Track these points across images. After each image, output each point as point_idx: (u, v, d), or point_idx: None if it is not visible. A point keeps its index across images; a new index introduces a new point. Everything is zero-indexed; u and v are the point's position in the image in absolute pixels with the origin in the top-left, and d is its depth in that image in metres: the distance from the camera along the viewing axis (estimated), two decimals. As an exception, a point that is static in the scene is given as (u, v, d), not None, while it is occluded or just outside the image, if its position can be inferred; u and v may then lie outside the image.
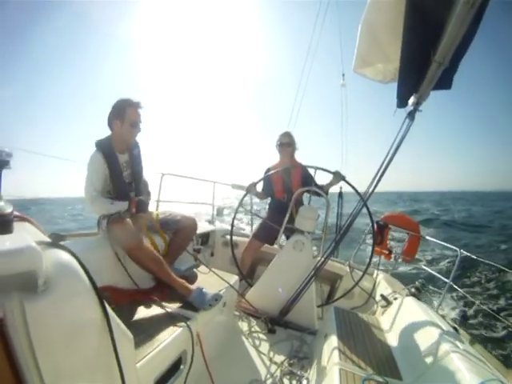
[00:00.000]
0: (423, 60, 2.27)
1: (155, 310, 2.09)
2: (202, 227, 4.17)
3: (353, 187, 3.17)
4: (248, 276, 3.88)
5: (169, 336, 1.78)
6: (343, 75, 4.24)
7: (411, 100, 2.62)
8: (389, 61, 2.57)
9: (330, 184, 3.53)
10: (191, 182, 4.78)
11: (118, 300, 2.06)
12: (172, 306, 2.15)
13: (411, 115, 2.62)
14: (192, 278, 2.59)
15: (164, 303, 2.15)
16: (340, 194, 3.71)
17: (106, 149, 2.44)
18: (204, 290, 2.24)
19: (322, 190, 3.37)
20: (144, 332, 1.77)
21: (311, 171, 3.53)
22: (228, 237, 3.66)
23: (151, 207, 3.12)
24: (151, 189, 3.01)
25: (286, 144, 3.76)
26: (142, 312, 2.05)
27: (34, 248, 0.82)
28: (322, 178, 3.60)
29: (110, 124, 2.48)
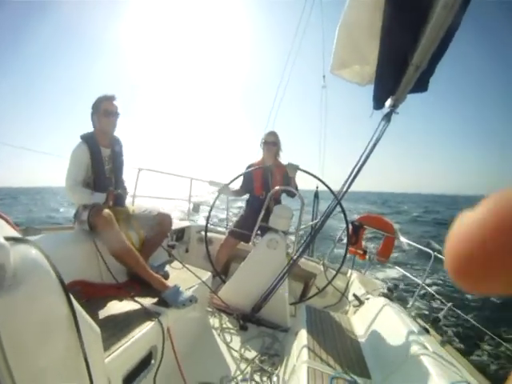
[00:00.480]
0: (400, 63, 2.30)
1: (126, 305, 2.05)
2: (177, 223, 4.13)
3: (314, 176, 3.20)
4: (222, 273, 3.88)
5: (139, 331, 1.76)
6: (324, 77, 4.26)
7: (388, 102, 2.64)
8: (366, 62, 2.58)
9: (290, 178, 3.56)
10: (168, 178, 4.75)
11: (89, 294, 2.05)
12: (144, 302, 2.11)
13: (387, 117, 2.65)
14: (165, 274, 2.57)
15: (136, 298, 2.13)
16: (316, 194, 3.74)
17: (90, 141, 2.51)
18: (181, 288, 2.21)
19: (296, 190, 3.41)
20: (114, 327, 1.74)
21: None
22: (203, 233, 3.63)
23: (127, 202, 3.14)
24: (128, 184, 2.98)
25: (272, 143, 3.76)
26: (113, 307, 2.01)
27: (2, 243, 0.80)
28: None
29: (93, 121, 2.60)
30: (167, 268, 2.83)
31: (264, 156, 3.86)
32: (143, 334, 1.77)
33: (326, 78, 4.25)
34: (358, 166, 2.74)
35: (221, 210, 5.05)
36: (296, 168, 3.31)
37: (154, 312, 1.99)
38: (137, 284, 2.31)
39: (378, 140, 2.67)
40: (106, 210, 2.31)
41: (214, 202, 3.62)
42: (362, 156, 2.73)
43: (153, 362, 1.91)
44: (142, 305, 2.05)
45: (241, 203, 4.35)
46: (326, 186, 3.26)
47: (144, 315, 1.94)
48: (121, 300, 2.10)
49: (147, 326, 1.83)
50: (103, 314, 1.91)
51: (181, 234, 4.12)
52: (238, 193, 3.90)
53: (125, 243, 2.27)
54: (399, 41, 2.22)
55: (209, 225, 3.64)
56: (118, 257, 2.26)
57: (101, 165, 2.56)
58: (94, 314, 1.81)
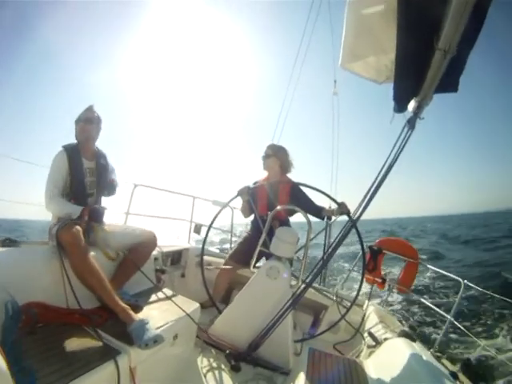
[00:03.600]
0: (425, 48, 1.91)
1: (86, 337, 1.77)
2: (175, 245, 3.79)
3: (352, 221, 2.72)
4: (223, 301, 3.49)
5: (90, 370, 1.47)
6: (335, 81, 3.95)
7: (411, 105, 2.28)
8: (382, 51, 2.22)
9: (331, 212, 3.24)
10: (168, 196, 4.43)
11: (46, 319, 1.82)
12: (107, 335, 1.81)
13: (411, 123, 2.28)
14: (137, 304, 2.22)
15: (99, 330, 1.83)
16: (329, 217, 3.34)
17: (71, 150, 2.43)
18: (147, 324, 1.87)
19: (313, 210, 3.12)
20: (61, 361, 1.49)
21: (309, 192, 3.26)
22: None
23: (119, 219, 2.97)
24: (120, 201, 2.92)
25: (267, 155, 3.46)
26: (69, 337, 1.73)
27: None
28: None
29: (75, 134, 2.51)
30: (154, 295, 2.49)
31: (268, 172, 3.53)
32: (95, 374, 1.49)
33: (336, 82, 3.93)
34: (378, 180, 2.34)
35: (228, 233, 4.66)
36: (347, 213, 2.94)
37: (114, 349, 1.68)
38: (105, 313, 2.01)
39: (400, 150, 2.30)
40: (76, 226, 2.10)
41: (214, 219, 3.25)
42: (382, 169, 2.35)
43: None
44: (101, 338, 1.74)
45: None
46: (332, 199, 2.93)
47: (100, 351, 1.65)
48: (81, 330, 1.83)
49: (102, 365, 1.54)
50: (54, 343, 1.65)
51: (177, 256, 3.78)
52: (245, 209, 3.51)
53: (89, 263, 2.01)
54: (421, 21, 1.84)
55: (212, 248, 3.28)
56: (81, 278, 2.01)
57: (80, 175, 2.43)
58: (43, 343, 1.62)
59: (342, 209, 3.01)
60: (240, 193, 3.20)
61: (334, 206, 3.15)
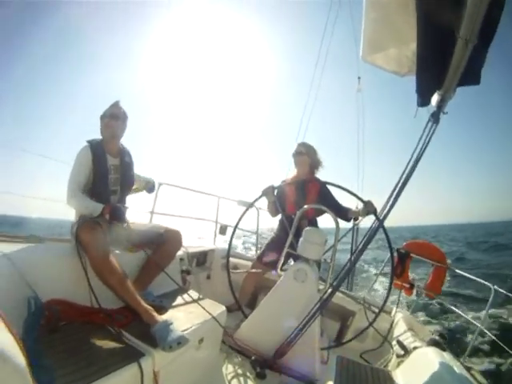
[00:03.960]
0: (446, 38, 1.86)
1: (109, 337, 1.74)
2: (200, 246, 3.76)
3: (378, 220, 2.66)
4: (249, 305, 3.43)
5: (111, 371, 1.44)
6: (359, 78, 3.86)
7: (434, 98, 2.22)
8: (403, 42, 2.17)
9: (357, 213, 3.18)
10: (193, 196, 4.39)
11: (68, 317, 1.82)
12: (130, 336, 1.78)
13: (435, 116, 2.23)
14: (161, 305, 2.21)
15: (123, 331, 1.80)
16: (356, 218, 3.26)
17: (96, 146, 2.39)
18: (172, 325, 1.83)
19: (340, 212, 3.01)
20: (82, 361, 1.47)
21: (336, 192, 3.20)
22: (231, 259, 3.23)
23: (143, 218, 2.96)
24: (146, 200, 2.91)
25: (298, 153, 3.41)
26: (92, 337, 1.72)
27: None
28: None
29: (100, 131, 2.47)
30: (180, 297, 2.47)
31: (297, 170, 3.48)
32: (116, 376, 1.45)
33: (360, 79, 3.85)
34: (404, 177, 2.28)
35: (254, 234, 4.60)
36: (373, 212, 2.86)
37: (137, 351, 1.66)
38: (130, 314, 1.99)
39: (426, 145, 2.24)
40: (96, 225, 2.09)
41: (240, 220, 3.23)
42: (407, 165, 2.29)
43: None
44: (124, 340, 1.73)
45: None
46: (358, 197, 2.85)
47: (124, 353, 1.63)
48: (104, 330, 1.81)
49: (124, 368, 1.51)
50: (76, 342, 1.64)
51: (203, 257, 3.73)
52: (272, 209, 3.46)
53: (109, 263, 1.98)
54: (441, 10, 1.80)
55: (239, 251, 3.24)
56: (101, 278, 1.98)
57: (104, 171, 2.39)
58: (65, 341, 1.60)
59: (369, 208, 2.92)
60: (264, 193, 3.14)
61: (361, 206, 3.07)
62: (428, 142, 2.23)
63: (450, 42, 1.85)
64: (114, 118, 2.42)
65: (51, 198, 2.77)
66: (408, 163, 2.29)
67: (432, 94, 2.23)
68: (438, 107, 2.20)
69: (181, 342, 1.74)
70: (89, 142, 2.39)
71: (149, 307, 1.97)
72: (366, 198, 2.95)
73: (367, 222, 2.97)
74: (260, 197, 3.15)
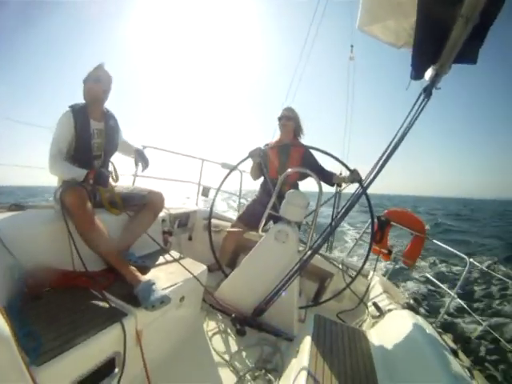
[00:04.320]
0: (446, 15, 1.82)
1: (91, 300, 1.75)
2: (182, 207, 3.76)
3: (363, 189, 2.68)
4: (229, 265, 3.50)
5: (95, 332, 1.48)
6: (352, 46, 3.81)
7: (428, 73, 2.18)
8: (403, 15, 2.11)
9: (342, 179, 3.18)
10: (176, 159, 4.37)
11: (52, 283, 1.80)
12: (113, 297, 1.79)
13: (427, 91, 2.19)
14: (144, 265, 2.21)
15: (106, 292, 1.80)
16: (339, 183, 3.29)
17: (78, 111, 2.31)
18: (154, 285, 1.85)
19: (323, 176, 3.00)
20: (70, 324, 1.50)
21: (319, 157, 3.21)
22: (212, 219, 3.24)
23: (126, 181, 2.92)
24: (128, 162, 2.84)
25: (285, 117, 3.38)
26: (77, 300, 1.72)
27: None
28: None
29: (83, 95, 2.38)
30: (161, 257, 2.48)
31: (281, 134, 3.46)
32: (102, 336, 1.50)
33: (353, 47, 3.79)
34: (390, 148, 2.28)
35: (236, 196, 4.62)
36: (358, 181, 2.88)
37: (120, 311, 1.68)
38: (112, 275, 2.00)
39: (415, 118, 2.23)
40: (80, 188, 2.07)
41: (223, 182, 3.25)
42: (394, 137, 2.29)
43: (116, 370, 1.60)
44: (108, 301, 1.73)
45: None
46: (344, 165, 2.87)
47: (108, 314, 1.64)
48: (87, 293, 1.81)
49: (107, 328, 1.54)
50: (61, 307, 1.63)
51: (185, 219, 3.74)
52: (255, 172, 3.46)
53: (94, 225, 1.98)
54: None
55: (221, 212, 3.26)
56: (86, 240, 1.98)
57: (86, 136, 2.32)
58: (49, 307, 1.61)
59: (355, 176, 2.95)
60: (251, 154, 3.12)
61: (346, 173, 3.09)
62: (418, 115, 2.22)
63: (451, 19, 1.81)
64: (97, 81, 2.34)
65: (34, 165, 2.74)
66: (395, 135, 2.29)
67: (426, 69, 2.20)
68: (432, 82, 2.17)
69: (164, 301, 1.77)
70: (71, 106, 2.32)
71: (132, 268, 1.99)
72: (351, 166, 2.98)
73: (351, 188, 2.99)
74: (246, 158, 3.14)
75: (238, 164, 3.21)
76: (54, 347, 1.31)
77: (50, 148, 2.23)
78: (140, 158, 2.74)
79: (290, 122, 3.37)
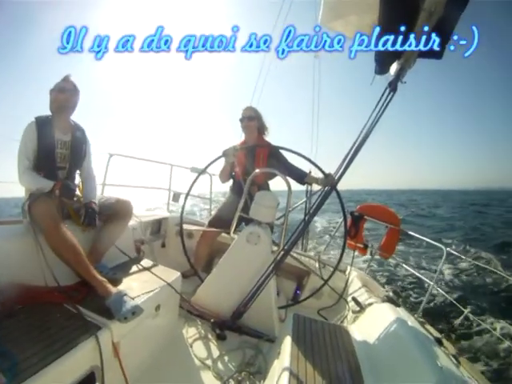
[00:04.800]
0: (409, 9, 1.82)
1: (64, 315, 1.70)
2: (154, 214, 3.71)
3: (338, 195, 2.72)
4: (205, 270, 3.42)
5: (71, 348, 1.43)
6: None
7: (393, 67, 2.20)
8: (365, 10, 2.10)
9: (315, 181, 3.11)
10: (145, 166, 4.30)
11: (24, 300, 1.75)
12: (86, 311, 1.73)
13: (393, 85, 2.20)
14: (114, 277, 2.15)
15: (79, 306, 1.74)
16: (310, 183, 3.28)
17: (42, 121, 2.31)
18: (125, 296, 1.80)
19: (294, 175, 2.95)
20: (45, 340, 1.46)
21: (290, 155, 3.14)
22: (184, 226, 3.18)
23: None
24: (97, 173, 2.72)
25: (247, 118, 3.32)
26: (48, 316, 1.67)
27: None
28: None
29: (49, 105, 2.38)
30: (134, 267, 2.41)
31: (245, 136, 3.41)
32: (77, 351, 1.45)
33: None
34: (358, 142, 2.30)
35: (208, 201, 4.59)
36: (333, 187, 2.70)
37: (94, 325, 1.63)
38: (84, 288, 1.93)
39: (381, 112, 2.24)
40: (47, 198, 2.05)
41: (192, 186, 3.19)
42: (361, 132, 2.31)
43: None
44: (81, 315, 1.68)
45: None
46: (319, 168, 2.81)
47: (82, 328, 1.59)
48: (61, 308, 1.75)
49: (82, 343, 1.50)
50: (34, 324, 1.58)
51: (157, 226, 3.70)
52: (225, 174, 3.40)
53: (64, 235, 1.92)
54: None
55: (191, 217, 3.20)
56: (56, 252, 1.92)
57: (49, 146, 2.30)
58: (23, 325, 1.56)
59: (329, 180, 2.79)
60: (225, 153, 3.03)
61: (317, 172, 3.05)
62: (384, 109, 2.22)
63: (414, 13, 1.81)
64: (61, 91, 2.32)
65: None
66: (362, 130, 2.29)
67: (391, 63, 2.22)
68: (397, 76, 2.18)
69: (135, 311, 1.73)
70: (36, 118, 2.31)
71: (103, 279, 1.93)
72: (320, 163, 2.94)
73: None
74: (219, 157, 3.07)
75: (210, 164, 3.10)
76: (29, 366, 1.27)
77: (17, 159, 2.22)
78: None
79: (252, 123, 3.32)
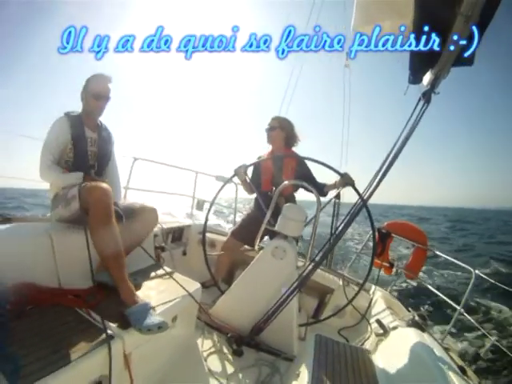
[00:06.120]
0: (445, 15, 1.77)
1: (76, 320, 1.63)
2: (176, 221, 3.67)
3: (357, 192, 2.61)
4: (226, 281, 3.38)
5: (79, 356, 1.35)
6: (347, 53, 3.74)
7: (427, 77, 2.13)
8: (399, 15, 2.04)
9: (334, 186, 3.05)
10: (170, 171, 4.28)
11: (36, 300, 1.68)
12: (100, 318, 1.65)
13: (427, 96, 2.12)
14: (141, 282, 2.13)
15: (92, 312, 1.68)
16: (337, 195, 3.18)
17: (74, 118, 2.29)
18: (152, 309, 1.73)
19: (315, 187, 2.80)
20: (53, 345, 1.39)
21: (312, 166, 3.10)
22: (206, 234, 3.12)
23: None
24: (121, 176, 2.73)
25: (270, 128, 3.26)
26: (59, 320, 1.60)
27: None
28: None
29: (81, 98, 2.36)
30: (153, 274, 2.35)
31: (272, 146, 3.34)
32: (87, 359, 1.37)
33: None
34: (391, 156, 2.20)
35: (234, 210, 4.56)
36: (351, 184, 2.74)
37: (107, 333, 1.54)
38: (100, 293, 1.85)
39: (415, 125, 2.15)
40: (104, 184, 1.96)
41: (216, 196, 3.15)
42: (394, 145, 2.22)
43: None
44: (94, 322, 1.62)
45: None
46: (334, 169, 2.71)
47: (93, 336, 1.51)
48: (73, 312, 1.69)
49: (94, 350, 1.42)
50: (43, 327, 1.52)
51: (178, 233, 3.64)
52: (248, 187, 3.36)
53: (113, 227, 1.90)
54: None
55: (216, 227, 3.14)
56: (100, 244, 1.87)
57: (84, 144, 2.28)
58: (32, 327, 1.50)
59: (346, 180, 2.80)
60: (236, 172, 3.00)
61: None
62: (418, 121, 2.14)
63: (450, 18, 1.76)
64: (96, 99, 2.30)
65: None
66: (395, 143, 2.21)
67: (425, 72, 2.15)
68: (431, 86, 2.11)
69: (162, 326, 1.63)
70: (66, 113, 2.28)
71: (131, 285, 1.86)
72: (353, 176, 2.84)
73: (350, 198, 2.86)
74: (232, 176, 3.05)
75: (229, 179, 3.12)
76: (33, 371, 1.21)
77: (41, 153, 2.16)
78: None
79: (275, 132, 3.25)
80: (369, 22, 2.19)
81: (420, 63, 2.09)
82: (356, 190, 2.65)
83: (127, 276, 1.87)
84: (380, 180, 2.26)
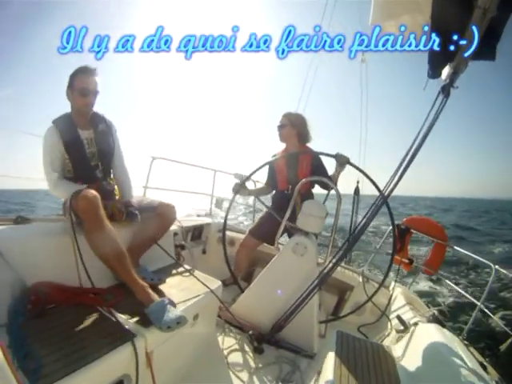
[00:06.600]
0: (462, 8, 1.75)
1: (97, 319, 1.66)
2: (195, 219, 3.69)
3: (364, 173, 2.62)
4: (245, 279, 3.41)
5: (104, 354, 1.37)
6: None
7: (445, 71, 2.10)
8: (417, 9, 2.03)
9: (336, 172, 2.95)
10: (188, 170, 4.32)
11: (56, 300, 1.71)
12: (122, 316, 1.68)
13: (445, 90, 2.09)
14: (157, 282, 2.11)
15: (113, 310, 1.69)
16: (356, 190, 3.15)
17: (63, 123, 2.19)
18: (169, 305, 1.72)
19: (332, 182, 2.79)
20: (74, 345, 1.40)
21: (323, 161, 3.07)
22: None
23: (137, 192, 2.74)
24: (138, 173, 2.78)
25: (281, 126, 3.22)
26: (80, 319, 1.62)
27: None
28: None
29: (67, 96, 2.24)
30: (173, 272, 2.38)
31: (286, 144, 3.30)
32: (109, 358, 1.38)
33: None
34: (412, 151, 2.17)
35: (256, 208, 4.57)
36: (347, 162, 2.73)
37: (129, 332, 1.56)
38: (120, 292, 1.86)
39: (434, 120, 2.12)
40: (92, 191, 1.90)
41: (235, 196, 3.16)
42: (414, 141, 2.18)
43: None
44: (115, 321, 1.62)
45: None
46: (370, 179, 2.64)
47: (115, 334, 1.53)
48: (94, 311, 1.71)
49: (116, 349, 1.43)
50: (64, 326, 1.55)
51: (198, 232, 3.68)
52: (263, 190, 3.36)
53: (108, 233, 1.85)
54: None
55: (235, 224, 3.16)
56: (97, 250, 1.84)
57: (78, 147, 2.21)
58: (52, 326, 1.52)
59: (339, 159, 2.76)
60: (235, 191, 3.07)
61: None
62: (438, 115, 2.11)
63: (467, 12, 1.73)
64: (83, 95, 2.19)
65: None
66: (415, 138, 2.18)
67: (444, 66, 2.12)
68: (450, 80, 2.08)
69: (180, 321, 1.64)
70: (53, 121, 2.19)
71: (145, 284, 1.84)
72: (371, 175, 2.80)
73: (371, 197, 2.82)
74: (234, 195, 3.12)
75: (246, 179, 3.10)
76: (54, 370, 1.23)
77: (44, 170, 2.14)
78: None
79: (285, 129, 3.20)
80: (387, 17, 2.18)
81: (439, 57, 2.06)
82: (354, 165, 2.69)
83: (137, 276, 1.87)
84: (401, 176, 2.23)
